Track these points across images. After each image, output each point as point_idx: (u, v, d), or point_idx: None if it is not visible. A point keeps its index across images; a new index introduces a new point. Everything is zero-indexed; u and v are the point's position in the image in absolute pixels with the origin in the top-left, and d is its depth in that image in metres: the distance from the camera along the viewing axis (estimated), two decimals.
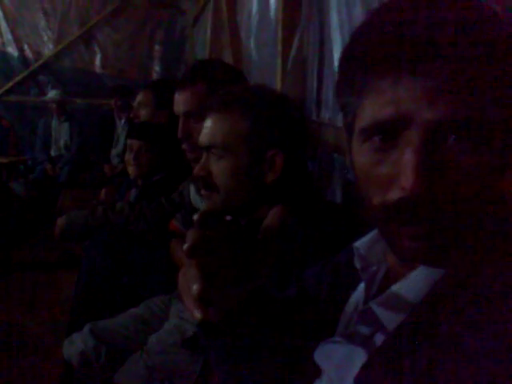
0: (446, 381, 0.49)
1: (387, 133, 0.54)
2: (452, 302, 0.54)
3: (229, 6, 3.38)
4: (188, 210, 1.82)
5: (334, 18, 1.73)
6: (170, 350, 1.48)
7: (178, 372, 1.42)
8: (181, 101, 1.55)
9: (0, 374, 1.21)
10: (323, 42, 1.84)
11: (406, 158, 0.52)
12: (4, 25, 6.04)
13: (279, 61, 2.11)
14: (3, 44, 6.08)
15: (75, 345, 1.56)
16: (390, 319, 0.59)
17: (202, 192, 1.20)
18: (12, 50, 6.09)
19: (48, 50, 6.17)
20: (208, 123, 1.15)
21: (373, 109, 0.55)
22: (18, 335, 1.63)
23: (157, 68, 6.49)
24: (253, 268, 0.60)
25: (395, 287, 0.60)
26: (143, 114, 2.58)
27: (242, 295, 0.61)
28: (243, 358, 0.70)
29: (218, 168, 1.12)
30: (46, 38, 6.15)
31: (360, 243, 0.68)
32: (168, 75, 6.10)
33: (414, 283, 0.59)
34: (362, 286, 0.68)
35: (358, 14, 1.55)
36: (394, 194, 0.54)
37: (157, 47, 6.44)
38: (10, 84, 6.07)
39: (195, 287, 0.56)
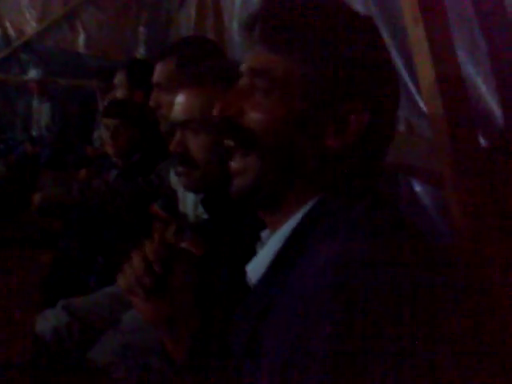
0: (279, 325, 0.55)
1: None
2: (293, 252, 0.63)
3: None
4: (167, 193, 1.82)
5: None
6: (144, 328, 1.49)
7: (151, 349, 1.43)
8: (155, 73, 1.59)
9: None
10: None
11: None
12: None
13: None
14: None
15: (48, 321, 1.56)
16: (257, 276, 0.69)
17: (179, 169, 1.18)
18: None
19: (31, 28, 6.06)
20: (181, 98, 1.13)
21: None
22: None
23: (141, 50, 6.42)
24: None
25: (263, 249, 0.71)
26: (119, 94, 2.57)
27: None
28: None
29: (197, 143, 1.11)
30: (28, 16, 6.04)
31: (264, 231, 0.76)
32: (153, 57, 6.03)
33: (273, 241, 0.68)
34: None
35: None
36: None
37: (142, 29, 6.36)
38: None
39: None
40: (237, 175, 0.68)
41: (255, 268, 0.68)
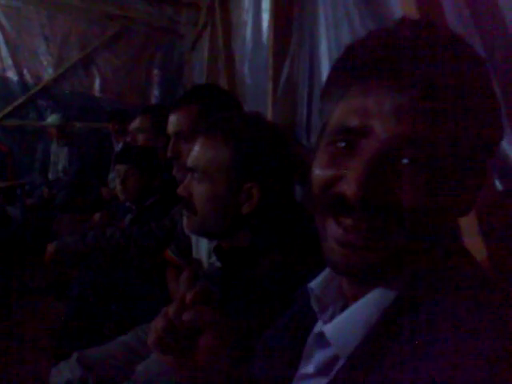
0: None
1: (349, 141, 0.56)
2: (404, 326, 0.54)
3: (224, 32, 3.42)
4: (180, 238, 1.80)
5: (323, 45, 1.74)
6: (158, 380, 1.46)
7: None
8: (173, 121, 1.57)
9: None
10: (313, 68, 1.85)
11: (356, 164, 0.54)
12: (4, 50, 6.09)
13: (270, 86, 2.12)
14: (3, 69, 6.12)
15: (62, 374, 1.54)
16: (344, 344, 0.59)
17: (183, 211, 1.21)
18: (12, 74, 6.14)
19: (47, 74, 6.22)
20: (196, 146, 1.16)
21: (341, 115, 0.57)
22: (5, 361, 1.60)
23: (155, 92, 6.54)
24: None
25: (347, 312, 0.60)
26: (141, 138, 2.57)
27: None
28: None
29: (197, 191, 1.14)
30: (45, 63, 6.21)
31: (315, 284, 0.68)
32: (167, 99, 6.13)
33: (364, 309, 0.59)
34: (319, 323, 0.67)
35: (346, 41, 1.56)
36: (335, 189, 0.56)
37: (155, 71, 6.49)
38: (10, 108, 6.11)
39: None
40: (368, 250, 0.55)
41: (340, 333, 0.59)
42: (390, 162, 0.53)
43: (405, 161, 0.53)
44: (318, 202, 0.59)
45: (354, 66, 0.57)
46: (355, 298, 0.61)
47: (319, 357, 0.64)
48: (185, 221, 1.21)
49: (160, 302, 1.86)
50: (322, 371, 0.63)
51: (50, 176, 5.57)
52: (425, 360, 0.49)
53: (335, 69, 0.62)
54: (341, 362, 0.60)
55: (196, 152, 1.15)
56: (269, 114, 2.14)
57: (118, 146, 5.02)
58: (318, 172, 0.58)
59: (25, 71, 6.18)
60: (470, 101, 0.54)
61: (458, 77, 0.53)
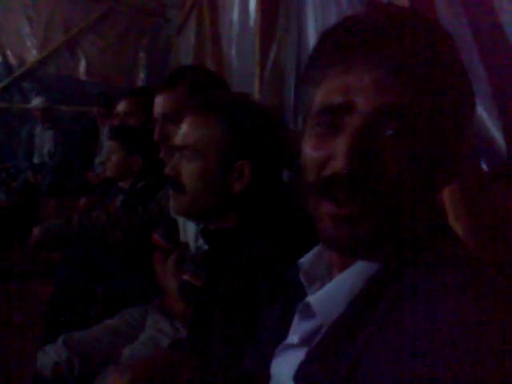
0: (379, 372, 0.50)
1: (334, 119, 0.58)
2: (386, 297, 0.55)
3: (211, 15, 3.39)
4: (168, 221, 1.80)
5: (311, 28, 1.74)
6: None
7: None
8: (159, 103, 1.55)
9: None
10: (300, 52, 1.84)
11: (342, 141, 0.56)
12: None
13: (257, 70, 2.11)
14: None
15: (48, 356, 1.54)
16: (328, 314, 0.60)
17: (170, 192, 1.19)
18: None
19: (32, 56, 6.11)
20: (185, 124, 1.14)
21: (324, 95, 0.60)
22: None
23: (142, 75, 6.47)
24: None
25: (332, 283, 0.62)
26: (132, 122, 2.52)
27: None
28: None
29: (187, 170, 1.12)
30: (29, 45, 6.10)
31: (305, 259, 0.70)
32: (153, 82, 6.08)
33: (348, 279, 0.61)
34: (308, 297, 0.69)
35: None
36: (328, 171, 0.57)
37: (142, 54, 6.42)
38: None
39: None
40: (351, 222, 0.57)
41: (324, 303, 0.61)
42: (374, 135, 0.55)
43: (388, 132, 0.55)
44: (312, 187, 0.60)
45: (332, 48, 0.60)
46: (342, 270, 0.62)
47: (304, 327, 0.66)
48: (172, 202, 1.20)
49: (147, 286, 1.88)
50: (305, 341, 0.65)
51: (36, 160, 5.51)
52: (406, 324, 0.50)
53: (314, 53, 0.64)
54: (321, 333, 0.62)
55: (185, 130, 1.13)
56: (256, 98, 2.14)
57: (105, 130, 4.98)
58: (308, 154, 0.60)
59: (8, 52, 6.05)
60: (440, 71, 0.57)
61: (427, 50, 0.56)
